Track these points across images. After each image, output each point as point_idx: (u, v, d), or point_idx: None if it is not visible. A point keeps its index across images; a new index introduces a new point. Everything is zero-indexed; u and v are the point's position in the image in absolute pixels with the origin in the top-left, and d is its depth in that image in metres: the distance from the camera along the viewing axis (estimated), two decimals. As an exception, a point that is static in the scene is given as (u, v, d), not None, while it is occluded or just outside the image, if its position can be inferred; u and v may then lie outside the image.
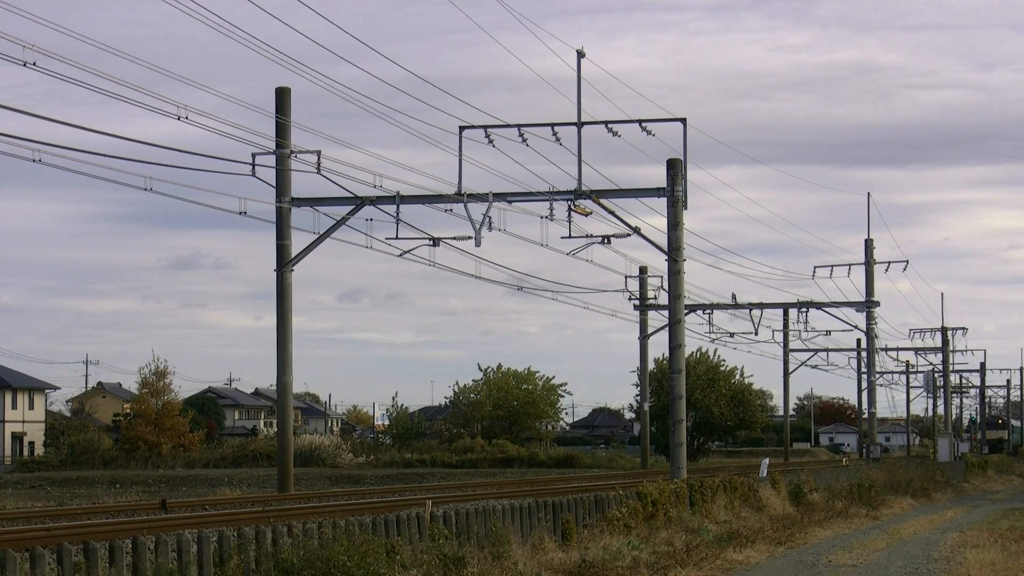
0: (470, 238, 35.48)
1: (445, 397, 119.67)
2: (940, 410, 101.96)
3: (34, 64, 23.12)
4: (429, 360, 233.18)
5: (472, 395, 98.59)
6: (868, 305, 65.22)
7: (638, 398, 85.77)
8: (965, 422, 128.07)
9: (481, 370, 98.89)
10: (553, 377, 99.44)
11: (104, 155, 26.86)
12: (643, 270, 62.43)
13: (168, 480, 69.47)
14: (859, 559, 25.44)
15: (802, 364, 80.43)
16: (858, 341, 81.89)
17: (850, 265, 66.73)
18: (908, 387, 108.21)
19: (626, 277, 55.63)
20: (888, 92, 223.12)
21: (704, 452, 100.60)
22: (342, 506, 24.66)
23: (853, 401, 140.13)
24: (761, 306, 63.95)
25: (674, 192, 36.22)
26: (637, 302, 63.70)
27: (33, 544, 15.90)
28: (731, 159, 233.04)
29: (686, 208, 36.42)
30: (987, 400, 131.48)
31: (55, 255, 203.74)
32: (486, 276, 40.25)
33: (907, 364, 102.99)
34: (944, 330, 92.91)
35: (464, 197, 35.54)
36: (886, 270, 68.68)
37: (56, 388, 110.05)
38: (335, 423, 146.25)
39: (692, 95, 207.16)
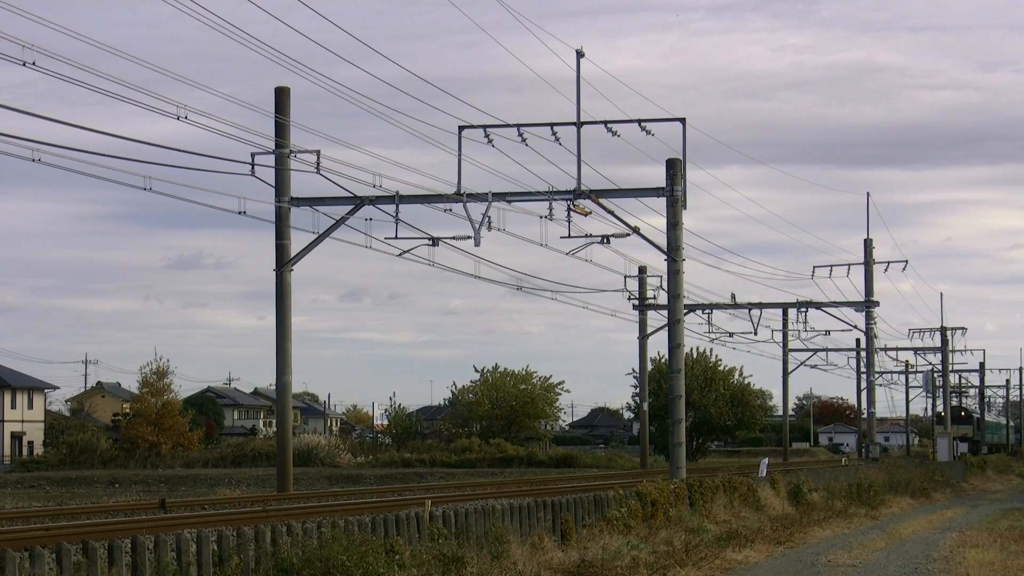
0: (469, 238, 35.48)
1: (444, 398, 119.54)
2: (940, 410, 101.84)
3: (34, 64, 23.12)
4: (430, 360, 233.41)
5: (470, 396, 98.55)
6: (867, 305, 65.27)
7: (636, 398, 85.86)
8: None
9: (477, 371, 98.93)
10: (551, 377, 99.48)
11: (104, 155, 26.88)
12: (642, 270, 62.39)
13: (167, 480, 69.44)
14: (858, 559, 25.45)
15: (801, 364, 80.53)
16: (857, 341, 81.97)
17: (849, 265, 66.84)
18: (907, 387, 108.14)
19: (625, 277, 55.58)
20: (890, 92, 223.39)
21: (703, 452, 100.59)
22: (341, 506, 24.66)
23: (852, 401, 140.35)
24: (760, 306, 63.96)
25: (673, 192, 36.23)
26: (636, 302, 63.68)
27: (32, 544, 15.89)
28: (731, 159, 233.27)
29: (685, 208, 36.44)
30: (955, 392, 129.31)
31: (55, 255, 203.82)
32: (485, 276, 40.26)
33: (906, 364, 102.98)
34: (943, 330, 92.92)
35: (463, 197, 35.54)
36: (885, 270, 68.85)
37: (55, 388, 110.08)
38: (334, 423, 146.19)
39: (693, 95, 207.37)
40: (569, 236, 36.89)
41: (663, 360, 74.51)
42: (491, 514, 22.82)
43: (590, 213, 36.68)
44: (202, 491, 53.07)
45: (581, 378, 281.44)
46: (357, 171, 34.96)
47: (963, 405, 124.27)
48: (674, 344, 36.99)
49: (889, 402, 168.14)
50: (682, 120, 36.48)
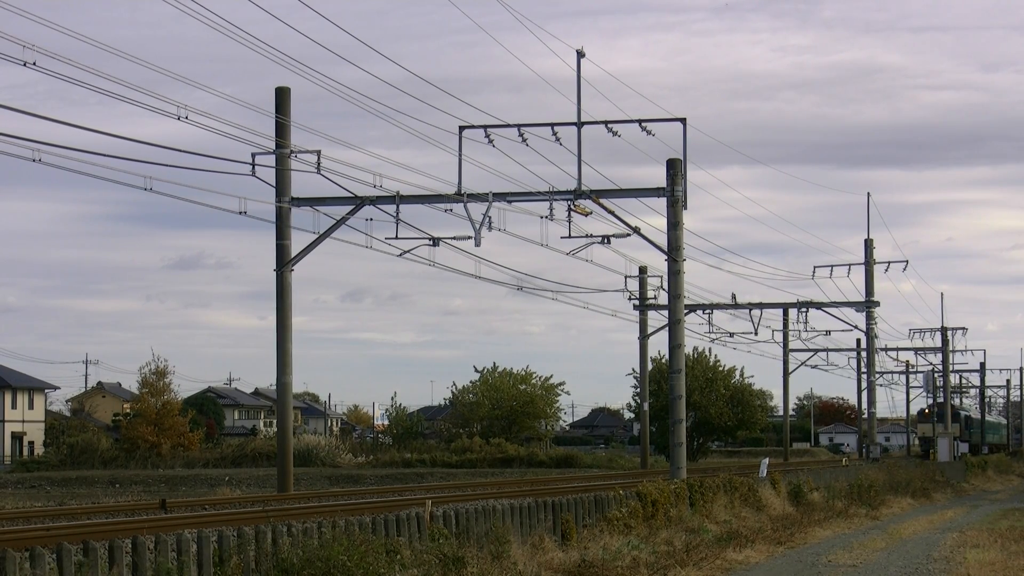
0: (470, 238, 35.47)
1: (444, 398, 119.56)
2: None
3: (34, 64, 23.14)
4: (431, 360, 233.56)
5: (470, 396, 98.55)
6: (868, 305, 65.27)
7: (637, 398, 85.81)
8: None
9: (477, 371, 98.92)
10: (550, 377, 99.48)
11: (104, 155, 26.89)
12: (643, 270, 62.40)
13: (168, 480, 69.43)
14: (859, 559, 25.44)
15: (802, 364, 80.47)
16: (858, 341, 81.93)
17: (850, 265, 66.83)
18: (908, 387, 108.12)
19: (626, 277, 55.61)
20: (891, 93, 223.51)
21: (704, 452, 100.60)
22: (342, 506, 24.65)
23: (853, 401, 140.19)
24: (761, 306, 63.96)
25: (674, 192, 36.22)
26: (637, 302, 63.68)
27: (33, 544, 15.89)
28: (732, 159, 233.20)
29: (686, 208, 36.43)
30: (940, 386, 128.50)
31: (55, 255, 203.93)
32: (486, 276, 40.27)
33: (907, 364, 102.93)
34: (944, 330, 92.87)
35: (464, 197, 35.53)
36: (886, 270, 68.84)
37: (56, 388, 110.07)
38: (335, 423, 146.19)
39: (694, 95, 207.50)
40: (570, 236, 36.89)
41: (664, 360, 74.50)
42: (491, 514, 22.81)
43: (590, 213, 36.68)
44: (202, 491, 53.06)
45: (582, 378, 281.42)
46: (358, 171, 35.00)
47: (952, 402, 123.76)
48: (674, 344, 36.98)
49: (890, 402, 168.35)
50: (683, 120, 36.47)
